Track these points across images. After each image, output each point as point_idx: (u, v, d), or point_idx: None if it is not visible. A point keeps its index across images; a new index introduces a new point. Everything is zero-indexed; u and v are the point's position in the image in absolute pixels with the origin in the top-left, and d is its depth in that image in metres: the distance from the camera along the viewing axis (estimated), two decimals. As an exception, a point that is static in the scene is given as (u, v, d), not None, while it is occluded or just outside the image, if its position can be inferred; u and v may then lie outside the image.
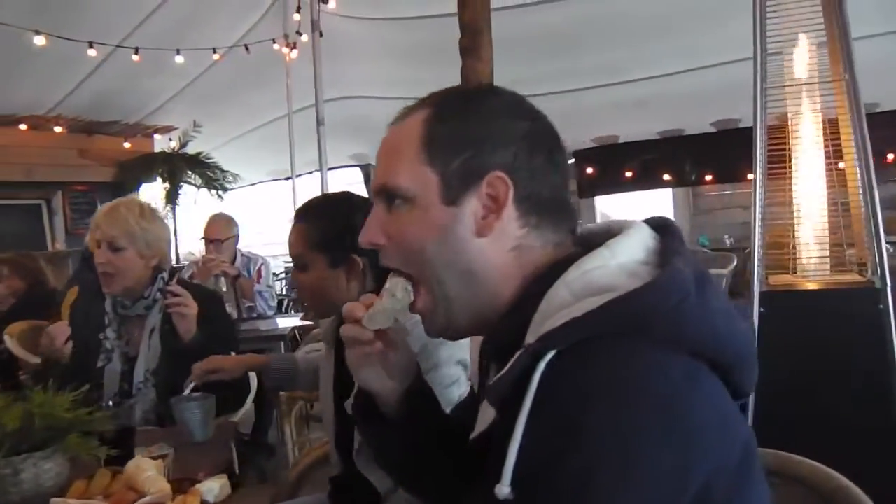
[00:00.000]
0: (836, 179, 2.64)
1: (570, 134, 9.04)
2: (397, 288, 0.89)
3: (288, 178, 8.38)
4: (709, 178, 8.88)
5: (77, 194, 7.89)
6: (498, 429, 0.79)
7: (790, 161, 2.63)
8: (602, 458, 0.68)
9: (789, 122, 2.65)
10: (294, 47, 6.66)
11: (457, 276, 0.85)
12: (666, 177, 8.94)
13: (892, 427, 2.37)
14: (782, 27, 2.59)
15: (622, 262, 0.80)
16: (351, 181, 10.58)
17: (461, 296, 0.86)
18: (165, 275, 2.20)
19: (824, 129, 2.65)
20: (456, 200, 0.84)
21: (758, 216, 2.59)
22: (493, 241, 0.84)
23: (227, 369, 1.90)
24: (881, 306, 2.41)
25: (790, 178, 2.65)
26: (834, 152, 2.63)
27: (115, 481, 1.36)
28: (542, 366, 0.73)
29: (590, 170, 9.26)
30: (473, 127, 0.85)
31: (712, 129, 8.33)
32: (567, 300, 0.78)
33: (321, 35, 5.44)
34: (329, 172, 10.48)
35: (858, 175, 2.50)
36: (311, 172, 10.43)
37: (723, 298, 0.84)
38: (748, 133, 2.61)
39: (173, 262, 2.29)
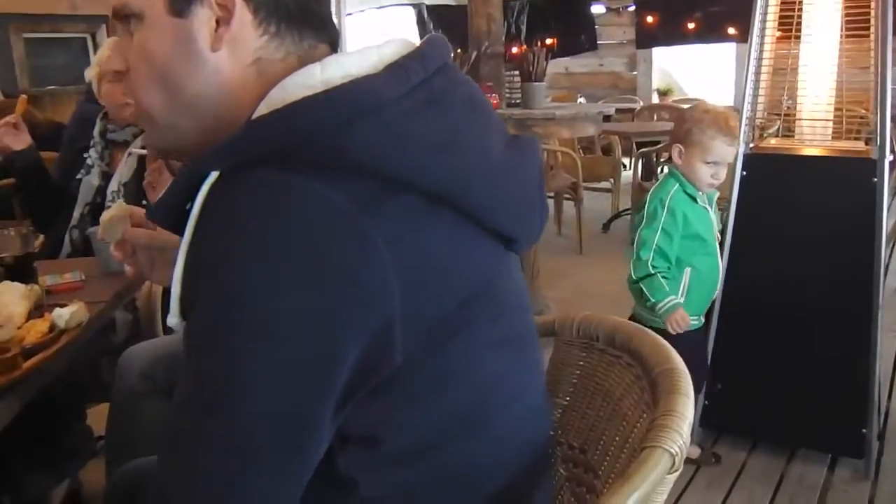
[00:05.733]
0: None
1: (633, -21, 8.49)
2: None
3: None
4: (778, 34, 8.25)
5: (122, 27, 7.83)
6: None
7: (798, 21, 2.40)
8: (231, 295, 0.64)
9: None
10: None
11: (192, 97, 0.78)
12: (731, 31, 8.34)
13: (866, 308, 2.25)
14: None
15: (329, 78, 0.71)
16: (404, 21, 10.29)
17: (191, 118, 0.79)
18: None
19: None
20: (183, 11, 0.76)
21: (751, 73, 2.40)
22: (230, 53, 0.76)
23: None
24: (875, 179, 2.24)
25: (797, 37, 2.43)
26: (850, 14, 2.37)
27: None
28: (204, 188, 0.69)
29: (650, 19, 8.69)
30: None
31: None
32: None
33: None
34: (381, 11, 10.23)
35: (873, 36, 2.26)
36: (362, 11, 10.20)
37: (475, 128, 0.78)
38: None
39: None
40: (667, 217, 2.17)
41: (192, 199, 0.70)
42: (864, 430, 2.30)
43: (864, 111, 2.48)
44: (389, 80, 0.72)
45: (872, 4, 2.27)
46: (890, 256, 4.40)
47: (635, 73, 9.30)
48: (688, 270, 2.22)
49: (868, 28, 2.29)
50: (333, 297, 0.64)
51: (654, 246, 2.16)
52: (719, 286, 2.35)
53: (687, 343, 2.17)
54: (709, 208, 2.26)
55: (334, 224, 0.65)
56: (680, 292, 2.21)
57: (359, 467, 0.73)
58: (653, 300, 2.17)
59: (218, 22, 0.76)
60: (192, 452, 0.65)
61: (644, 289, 2.19)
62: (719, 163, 2.17)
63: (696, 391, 2.22)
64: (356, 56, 0.75)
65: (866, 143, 2.39)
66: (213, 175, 0.69)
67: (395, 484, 0.75)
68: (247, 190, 0.66)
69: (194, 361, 0.66)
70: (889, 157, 2.26)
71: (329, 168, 0.67)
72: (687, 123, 2.20)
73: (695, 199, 2.21)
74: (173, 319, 0.73)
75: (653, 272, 2.16)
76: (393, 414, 0.72)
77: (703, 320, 2.32)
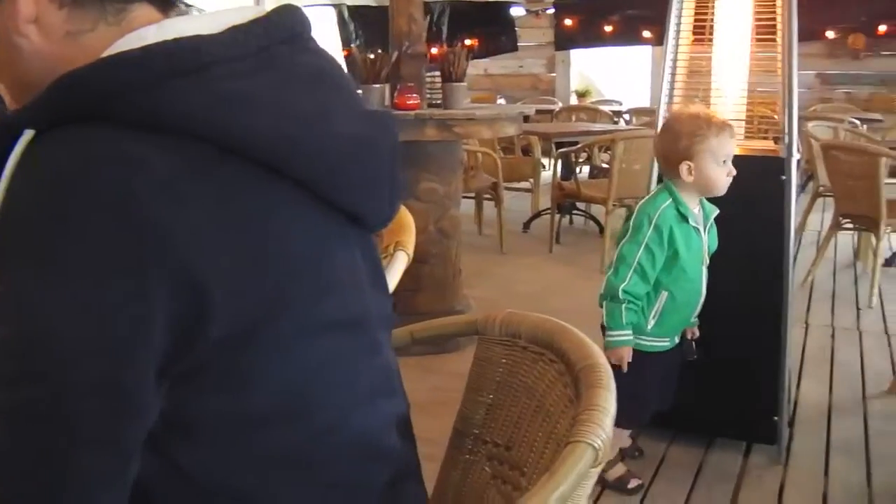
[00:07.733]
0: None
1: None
2: None
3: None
4: (693, 38, 8.51)
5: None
6: None
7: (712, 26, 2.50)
8: (33, 258, 0.62)
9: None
10: None
11: (31, 84, 0.75)
12: (647, 34, 8.57)
13: (777, 301, 2.34)
14: None
15: (163, 39, 0.69)
16: (324, 22, 10.17)
17: None
18: None
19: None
20: None
21: (667, 75, 2.47)
22: (40, 35, 0.74)
23: None
24: (783, 176, 2.32)
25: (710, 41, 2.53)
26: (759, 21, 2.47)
27: None
28: (16, 149, 0.66)
29: (568, 21, 8.87)
30: None
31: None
32: None
33: None
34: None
35: (780, 34, 2.35)
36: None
37: (320, 100, 0.76)
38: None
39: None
40: (652, 234, 2.02)
41: (5, 159, 0.68)
42: (775, 418, 2.38)
43: (769, 112, 2.58)
44: (222, 41, 0.70)
45: (779, 12, 2.36)
46: (797, 251, 4.59)
47: (554, 74, 9.44)
48: (663, 294, 2.09)
49: (776, 34, 2.39)
50: (141, 257, 0.63)
51: (634, 265, 2.02)
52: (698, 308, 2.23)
53: (658, 365, 2.16)
54: (701, 229, 2.13)
55: (145, 184, 0.63)
56: (651, 314, 2.10)
57: (179, 453, 0.71)
58: (606, 323, 2.07)
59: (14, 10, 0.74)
60: (9, 428, 0.62)
61: (604, 309, 2.07)
62: (727, 158, 2.06)
63: (665, 410, 2.22)
64: (197, 19, 0.73)
65: (775, 143, 2.47)
66: (28, 135, 0.67)
67: (217, 472, 0.73)
68: (51, 148, 0.65)
69: (2, 331, 0.63)
70: (796, 156, 2.35)
71: (150, 129, 0.65)
72: (683, 140, 2.04)
73: (686, 219, 2.07)
74: None
75: (622, 299, 2.02)
76: (208, 398, 0.70)
77: (676, 341, 2.21)
